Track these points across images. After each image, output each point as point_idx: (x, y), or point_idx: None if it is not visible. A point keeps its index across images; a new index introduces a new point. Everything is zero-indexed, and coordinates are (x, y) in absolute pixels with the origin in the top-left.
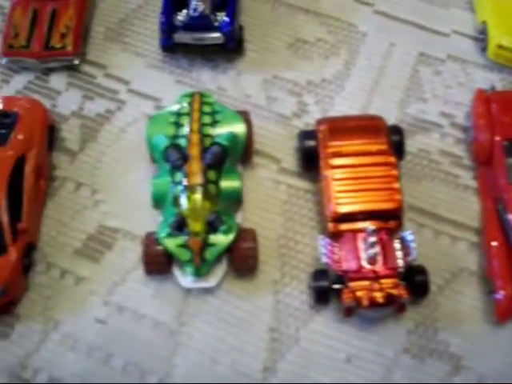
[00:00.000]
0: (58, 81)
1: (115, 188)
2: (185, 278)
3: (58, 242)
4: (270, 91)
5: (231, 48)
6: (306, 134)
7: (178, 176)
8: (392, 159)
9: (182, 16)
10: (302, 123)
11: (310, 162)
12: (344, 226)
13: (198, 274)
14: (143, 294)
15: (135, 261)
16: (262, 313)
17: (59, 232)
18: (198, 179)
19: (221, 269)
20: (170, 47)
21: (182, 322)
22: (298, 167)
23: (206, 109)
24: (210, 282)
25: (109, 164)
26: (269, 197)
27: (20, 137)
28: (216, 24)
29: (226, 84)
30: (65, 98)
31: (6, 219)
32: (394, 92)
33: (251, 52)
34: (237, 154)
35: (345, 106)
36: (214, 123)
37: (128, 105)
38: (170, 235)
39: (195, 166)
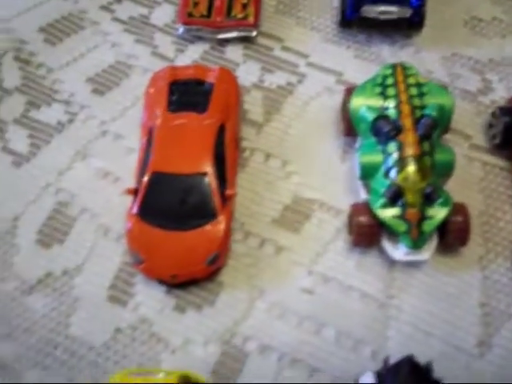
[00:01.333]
0: (234, 52)
1: (305, 160)
2: (396, 251)
3: (254, 212)
4: (451, 68)
5: (416, 23)
6: (507, 110)
7: (392, 147)
8: None
9: None
10: (487, 100)
11: (510, 138)
12: None
13: (416, 246)
14: (346, 265)
15: (333, 232)
16: (471, 288)
17: (254, 202)
18: (414, 150)
19: (432, 242)
20: (352, 21)
21: (389, 295)
22: (489, 144)
23: (411, 80)
24: (423, 255)
25: (296, 136)
26: (464, 173)
27: (219, 106)
28: None
29: (407, 59)
30: (243, 69)
31: (215, 185)
32: None
33: (427, 28)
34: (443, 127)
35: None
36: (421, 95)
37: (309, 78)
38: (385, 206)
39: (410, 137)
